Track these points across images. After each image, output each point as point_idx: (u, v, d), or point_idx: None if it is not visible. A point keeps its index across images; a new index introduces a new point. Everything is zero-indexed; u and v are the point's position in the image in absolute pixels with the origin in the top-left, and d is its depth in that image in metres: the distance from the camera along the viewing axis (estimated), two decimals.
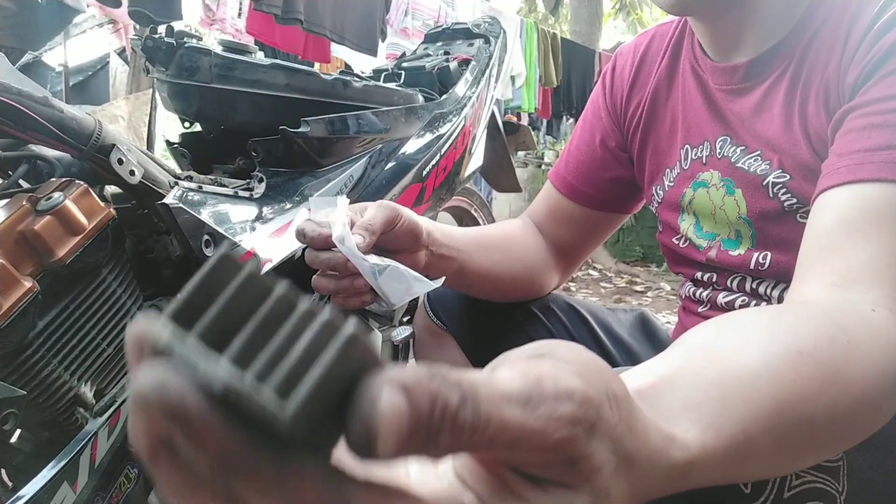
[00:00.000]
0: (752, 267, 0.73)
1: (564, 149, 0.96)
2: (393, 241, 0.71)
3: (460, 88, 1.48)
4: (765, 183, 0.70)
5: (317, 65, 4.00)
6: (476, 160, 1.62)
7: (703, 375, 0.36)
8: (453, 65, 1.51)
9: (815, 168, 0.63)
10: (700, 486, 0.33)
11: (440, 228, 0.77)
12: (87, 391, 0.86)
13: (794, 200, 0.68)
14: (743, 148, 0.73)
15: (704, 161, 0.77)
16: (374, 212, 0.68)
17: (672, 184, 0.82)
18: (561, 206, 0.93)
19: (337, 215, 0.66)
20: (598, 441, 0.24)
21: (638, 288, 4.66)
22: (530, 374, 0.23)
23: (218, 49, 1.14)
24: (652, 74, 0.84)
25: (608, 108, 0.89)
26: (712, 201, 0.76)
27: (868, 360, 0.43)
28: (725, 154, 0.74)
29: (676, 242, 0.83)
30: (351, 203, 0.70)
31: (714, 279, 0.79)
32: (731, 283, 0.77)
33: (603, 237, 0.97)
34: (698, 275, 0.81)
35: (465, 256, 0.79)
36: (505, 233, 0.91)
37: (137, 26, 3.70)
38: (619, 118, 0.88)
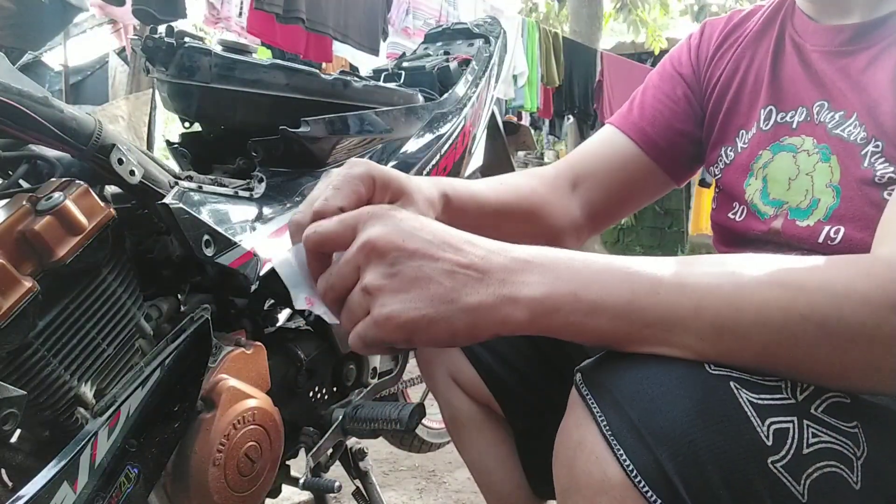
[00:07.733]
0: (820, 240, 0.70)
1: (628, 102, 0.92)
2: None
3: (460, 88, 1.48)
4: (863, 152, 0.67)
5: (323, 64, 4.00)
6: (476, 160, 1.62)
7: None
8: (453, 65, 1.51)
9: None
10: (558, 294, 0.45)
11: (459, 194, 0.67)
12: (88, 391, 0.86)
13: (892, 170, 0.65)
14: (842, 113, 0.71)
15: (795, 126, 0.75)
16: (330, 191, 0.53)
17: (745, 145, 0.80)
18: (621, 152, 0.88)
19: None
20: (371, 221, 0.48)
21: None
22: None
23: (218, 49, 1.14)
24: (739, 39, 0.84)
25: (692, 64, 0.88)
26: (798, 166, 0.74)
27: (833, 275, 0.44)
28: (822, 120, 0.72)
29: (732, 217, 0.81)
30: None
31: None
32: None
33: (642, 203, 0.93)
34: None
35: (481, 231, 0.65)
36: (531, 196, 0.81)
37: (137, 26, 3.70)
38: (701, 75, 0.88)
